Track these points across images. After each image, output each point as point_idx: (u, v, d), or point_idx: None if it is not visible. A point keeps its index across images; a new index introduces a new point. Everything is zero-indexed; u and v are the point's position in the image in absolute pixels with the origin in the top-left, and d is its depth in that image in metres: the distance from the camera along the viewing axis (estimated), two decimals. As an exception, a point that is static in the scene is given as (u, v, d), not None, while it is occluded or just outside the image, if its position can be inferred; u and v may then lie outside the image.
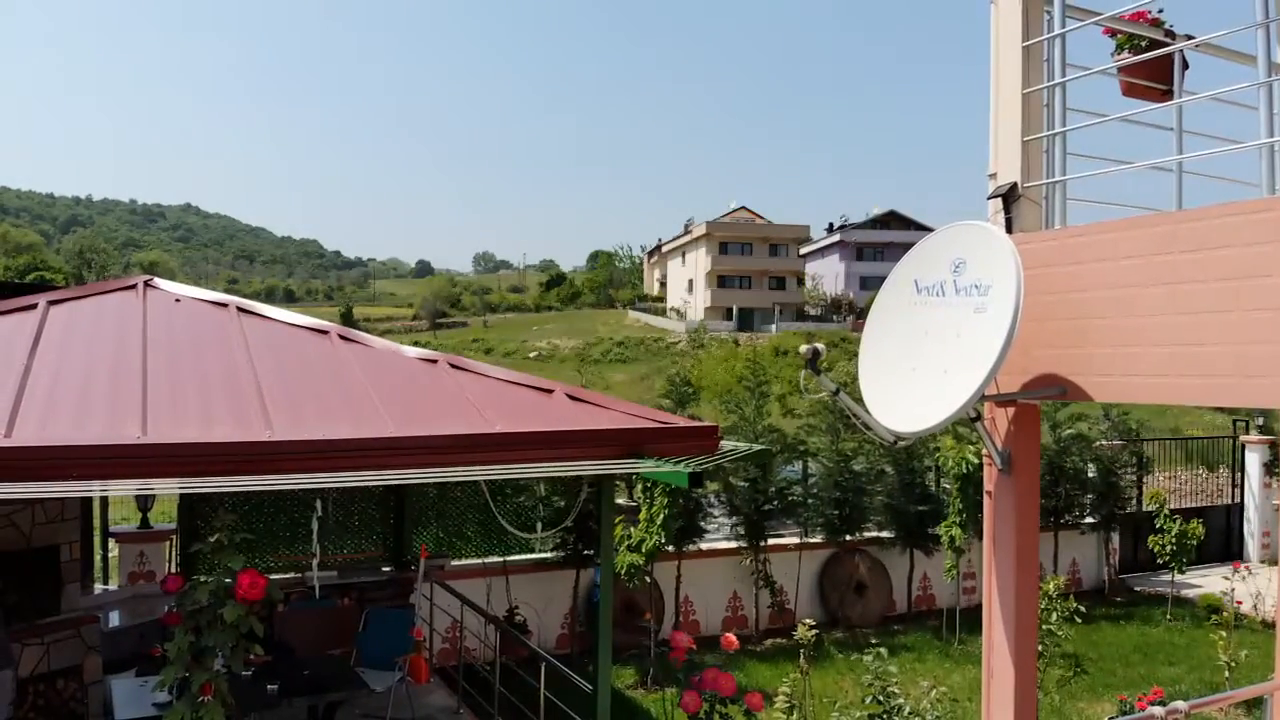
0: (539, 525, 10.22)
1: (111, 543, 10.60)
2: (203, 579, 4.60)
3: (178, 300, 7.09)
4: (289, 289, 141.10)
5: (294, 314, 7.31)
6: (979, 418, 4.29)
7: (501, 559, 11.06)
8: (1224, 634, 9.25)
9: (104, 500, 9.97)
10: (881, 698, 6.55)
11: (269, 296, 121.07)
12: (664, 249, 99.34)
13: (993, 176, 4.47)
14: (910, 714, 6.22)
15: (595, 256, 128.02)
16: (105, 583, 10.39)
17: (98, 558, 10.38)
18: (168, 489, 4.83)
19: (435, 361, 6.50)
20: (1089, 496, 14.58)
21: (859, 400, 4.38)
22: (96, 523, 10.20)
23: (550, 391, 6.24)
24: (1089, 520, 14.65)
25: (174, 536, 10.04)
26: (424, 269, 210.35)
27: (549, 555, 11.30)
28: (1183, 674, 10.70)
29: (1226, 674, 9.19)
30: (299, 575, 9.88)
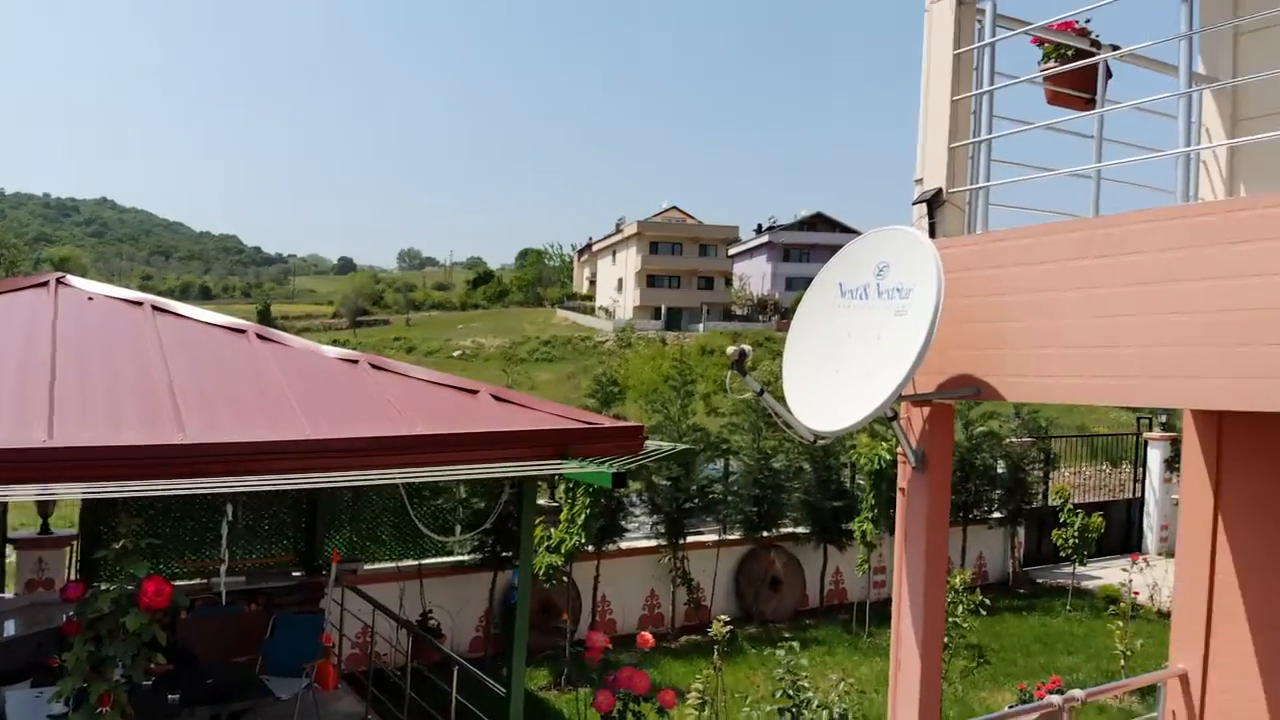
0: (458, 528, 10.07)
1: (10, 549, 10.10)
2: (105, 586, 4.41)
3: (90, 298, 6.80)
4: (205, 285, 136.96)
5: (211, 313, 7.07)
6: (895, 417, 4.37)
7: (416, 562, 10.88)
8: (1120, 624, 9.61)
9: (2, 505, 9.49)
10: (791, 691, 6.64)
11: (184, 293, 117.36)
12: (595, 248, 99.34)
13: (919, 182, 4.56)
14: (819, 706, 6.31)
15: (525, 254, 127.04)
16: (1, 590, 9.88)
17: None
18: (72, 494, 4.62)
19: (356, 362, 6.35)
20: (997, 492, 15.04)
21: (782, 399, 4.42)
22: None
23: (475, 392, 6.14)
24: (996, 515, 15.10)
25: (75, 542, 9.63)
26: (347, 265, 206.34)
27: (465, 558, 11.16)
28: (1081, 663, 11.06)
29: (1122, 662, 9.54)
30: (205, 581, 9.57)
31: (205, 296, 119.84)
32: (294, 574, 10.05)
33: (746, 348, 4.08)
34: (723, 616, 8.07)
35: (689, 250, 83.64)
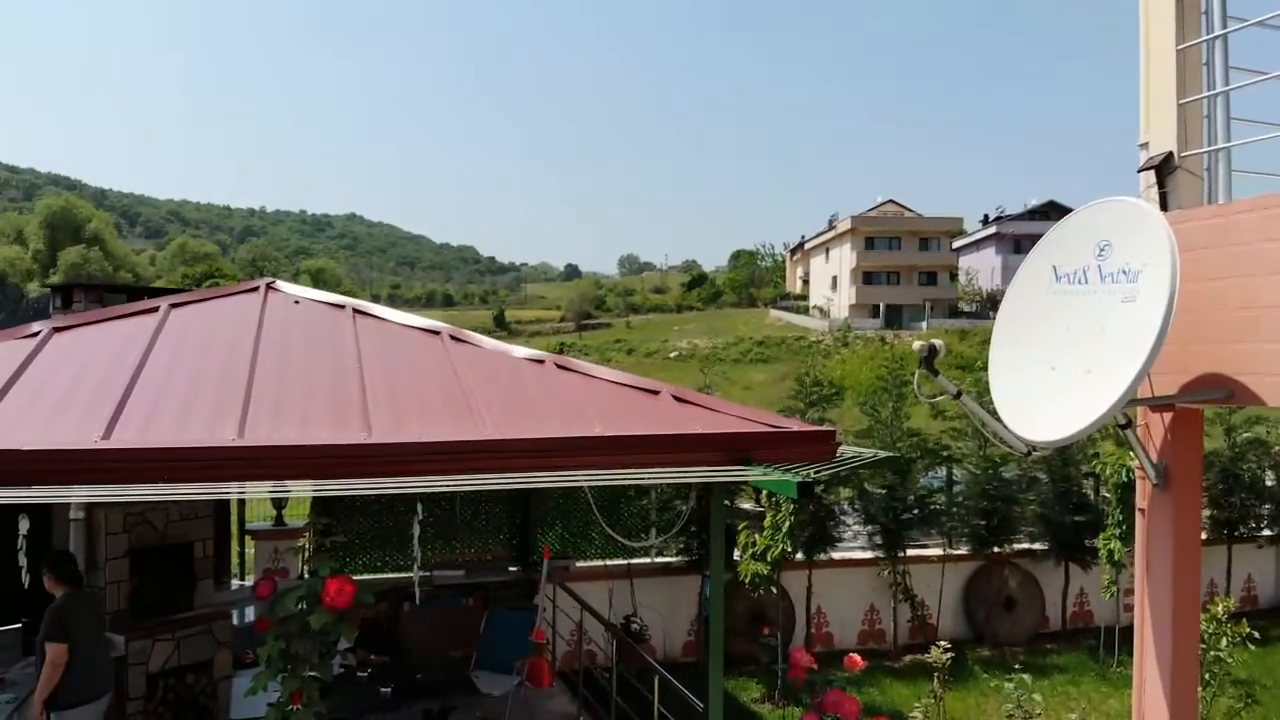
0: (653, 531, 9.94)
1: (248, 540, 10.98)
2: (292, 587, 4.55)
3: (297, 302, 7.19)
4: (447, 293, 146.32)
5: (409, 315, 7.29)
6: (1130, 424, 3.74)
7: (626, 562, 10.85)
8: None
9: (240, 499, 10.33)
10: (1024, 730, 5.97)
11: (429, 301, 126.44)
12: (807, 246, 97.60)
13: (1144, 146, 3.89)
14: (1056, 751, 5.60)
15: (737, 256, 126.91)
16: (243, 579, 10.76)
17: (235, 554, 10.75)
18: (259, 493, 4.80)
19: (542, 362, 6.32)
20: (1266, 507, 13.19)
21: (991, 404, 3.89)
22: (235, 520, 10.57)
23: (656, 393, 5.94)
24: (1267, 533, 13.24)
25: (307, 534, 10.29)
26: (572, 272, 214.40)
27: (673, 559, 11.02)
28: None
29: None
30: (427, 574, 9.96)
31: (448, 304, 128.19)
32: (510, 569, 10.29)
33: (938, 343, 3.57)
34: (943, 642, 7.47)
35: (908, 244, 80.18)
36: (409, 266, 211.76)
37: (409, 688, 7.12)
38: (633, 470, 5.06)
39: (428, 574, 9.93)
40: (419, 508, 5.97)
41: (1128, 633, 11.20)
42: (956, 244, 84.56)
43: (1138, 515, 3.96)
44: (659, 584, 10.91)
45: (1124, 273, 3.55)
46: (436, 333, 6.73)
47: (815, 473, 5.06)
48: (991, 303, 78.87)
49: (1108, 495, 11.53)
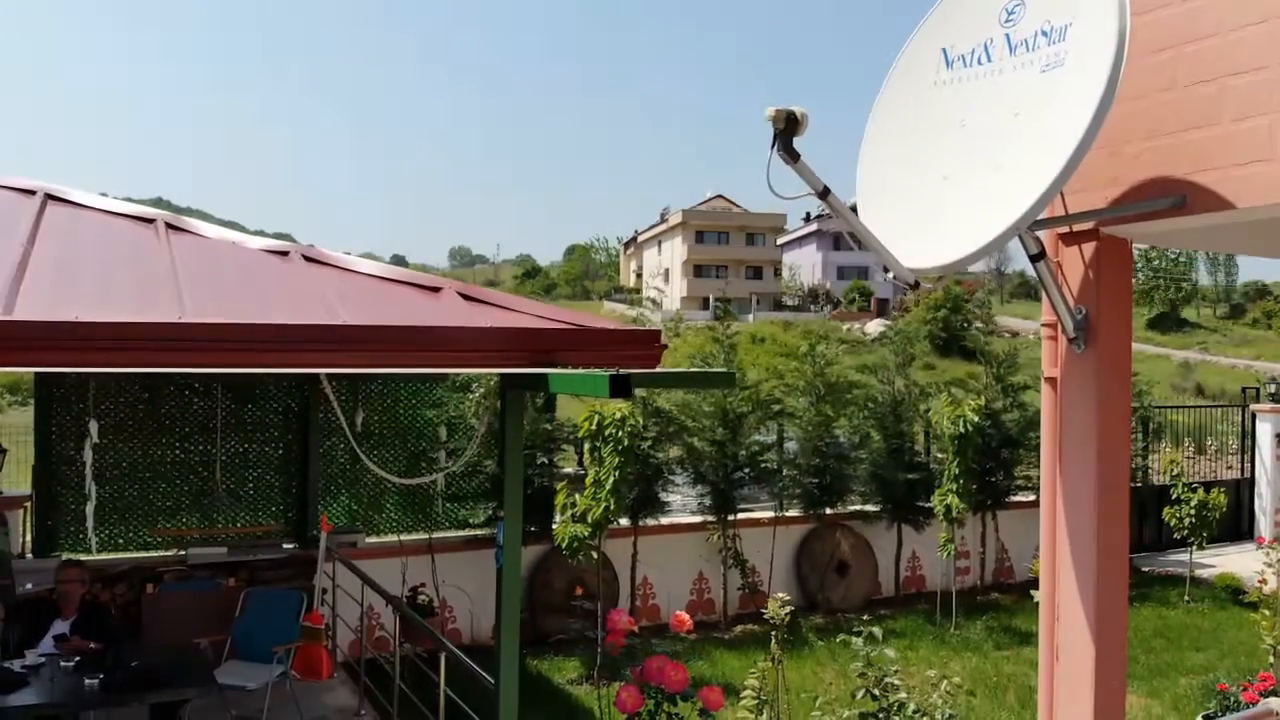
0: (440, 476, 8.61)
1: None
2: None
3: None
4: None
5: (123, 204, 5.69)
6: (1042, 255, 2.79)
7: (427, 536, 9.53)
8: (1267, 613, 7.93)
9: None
10: (877, 691, 5.07)
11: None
12: (640, 239, 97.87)
13: None
14: (916, 713, 4.71)
15: (572, 249, 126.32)
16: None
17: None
18: None
19: (286, 254, 4.91)
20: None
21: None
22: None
23: (438, 290, 4.66)
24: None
25: (29, 504, 8.45)
26: (399, 262, 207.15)
27: (480, 531, 9.75)
28: (1214, 660, 9.41)
29: (1272, 659, 7.86)
30: (181, 552, 8.39)
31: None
32: (285, 546, 8.90)
33: (798, 109, 2.48)
34: (781, 594, 6.58)
35: (736, 239, 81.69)
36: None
37: (124, 678, 5.56)
38: (397, 370, 3.79)
39: (182, 551, 8.38)
40: (91, 431, 4.44)
41: (963, 595, 10.82)
42: (781, 240, 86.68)
43: (1044, 390, 3.03)
44: (466, 559, 9.64)
45: (1044, 34, 2.60)
46: (150, 221, 5.20)
47: (636, 379, 3.95)
48: (813, 296, 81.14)
49: (940, 454, 11.13)
